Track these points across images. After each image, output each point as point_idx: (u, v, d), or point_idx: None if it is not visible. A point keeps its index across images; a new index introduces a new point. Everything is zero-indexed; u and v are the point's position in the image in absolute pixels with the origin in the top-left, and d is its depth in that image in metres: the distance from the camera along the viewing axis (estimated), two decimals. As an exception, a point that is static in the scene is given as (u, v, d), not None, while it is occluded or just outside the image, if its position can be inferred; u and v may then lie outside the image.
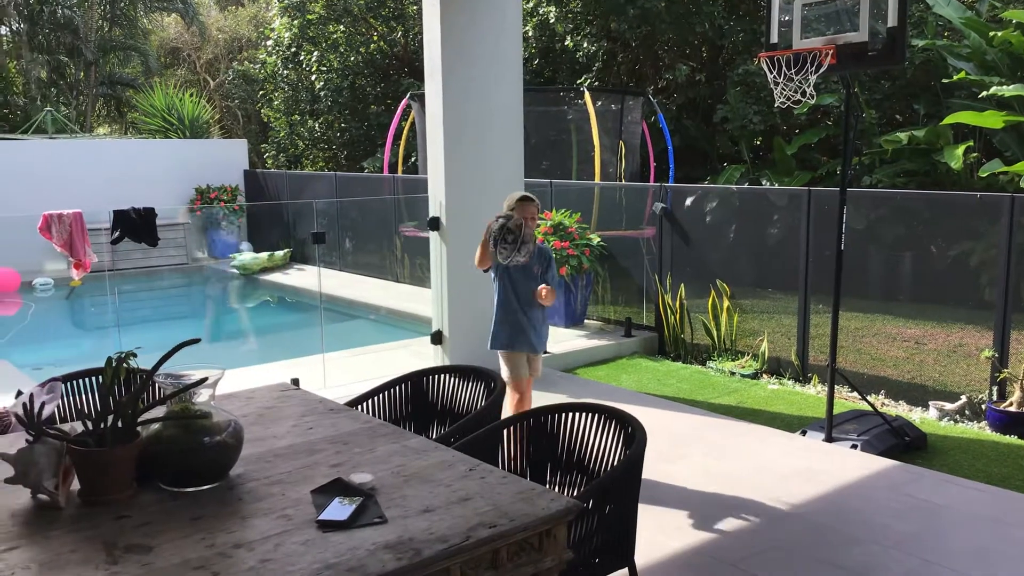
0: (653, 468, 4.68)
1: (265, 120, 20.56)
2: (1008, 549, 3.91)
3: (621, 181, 10.92)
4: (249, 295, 12.82)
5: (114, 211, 7.79)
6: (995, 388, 5.93)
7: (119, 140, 17.69)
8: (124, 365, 2.48)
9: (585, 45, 13.99)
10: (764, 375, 7.07)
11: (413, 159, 13.87)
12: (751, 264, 7.71)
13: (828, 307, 6.03)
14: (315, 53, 17.30)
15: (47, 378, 2.84)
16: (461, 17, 6.50)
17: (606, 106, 11.49)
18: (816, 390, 6.65)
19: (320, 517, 2.24)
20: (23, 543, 2.14)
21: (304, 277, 12.35)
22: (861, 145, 11.01)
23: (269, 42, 19.07)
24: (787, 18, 5.29)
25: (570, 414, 3.30)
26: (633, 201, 8.91)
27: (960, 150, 9.38)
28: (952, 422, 5.92)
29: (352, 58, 17.17)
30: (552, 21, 14.24)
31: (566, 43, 14.27)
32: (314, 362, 6.89)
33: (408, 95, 12.08)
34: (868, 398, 5.91)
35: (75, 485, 2.43)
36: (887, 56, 4.88)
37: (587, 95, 10.60)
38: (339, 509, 2.28)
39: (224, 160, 14.90)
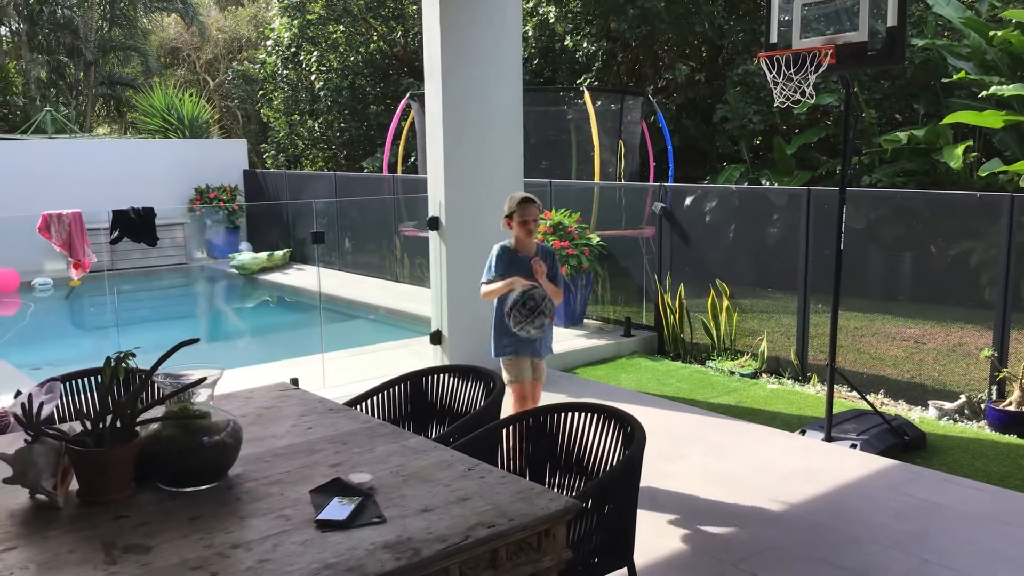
0: (652, 468, 4.68)
1: (265, 120, 20.57)
2: (1008, 548, 3.91)
3: (621, 181, 10.92)
4: (248, 295, 12.82)
5: (113, 211, 7.80)
6: (994, 387, 5.93)
7: (119, 140, 17.68)
8: (123, 365, 2.48)
9: (585, 45, 13.98)
10: (763, 374, 7.07)
11: (413, 159, 13.87)
12: (751, 264, 7.71)
13: (827, 306, 6.03)
14: (315, 53, 17.30)
15: (46, 378, 2.84)
16: (461, 17, 6.50)
17: (606, 106, 11.49)
18: (815, 389, 6.65)
19: (319, 517, 2.24)
20: (21, 543, 2.14)
21: (303, 277, 12.34)
22: (861, 145, 11.01)
23: (269, 42, 19.08)
24: (787, 18, 5.29)
25: (569, 414, 3.30)
26: (633, 201, 8.91)
27: (960, 150, 9.38)
28: (951, 421, 5.92)
29: (352, 58, 17.17)
30: (552, 21, 14.24)
31: (566, 43, 14.27)
32: (313, 362, 6.89)
33: (408, 95, 12.07)
34: (867, 397, 5.91)
35: (74, 485, 2.43)
36: (887, 56, 4.88)
37: (587, 95, 10.60)
38: (338, 509, 2.27)
39: (224, 160, 14.90)
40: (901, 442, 5.29)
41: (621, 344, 7.80)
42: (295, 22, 17.43)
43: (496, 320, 4.60)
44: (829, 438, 5.33)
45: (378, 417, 3.69)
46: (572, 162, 11.62)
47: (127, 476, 2.40)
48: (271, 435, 2.93)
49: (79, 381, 3.66)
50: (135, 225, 7.79)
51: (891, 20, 4.75)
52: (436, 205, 6.76)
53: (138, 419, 2.43)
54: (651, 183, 10.38)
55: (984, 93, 9.20)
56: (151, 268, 13.30)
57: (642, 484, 3.08)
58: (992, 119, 8.89)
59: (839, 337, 5.80)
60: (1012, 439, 5.52)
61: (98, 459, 2.35)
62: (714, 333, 7.52)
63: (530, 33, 14.38)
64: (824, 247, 6.72)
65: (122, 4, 21.63)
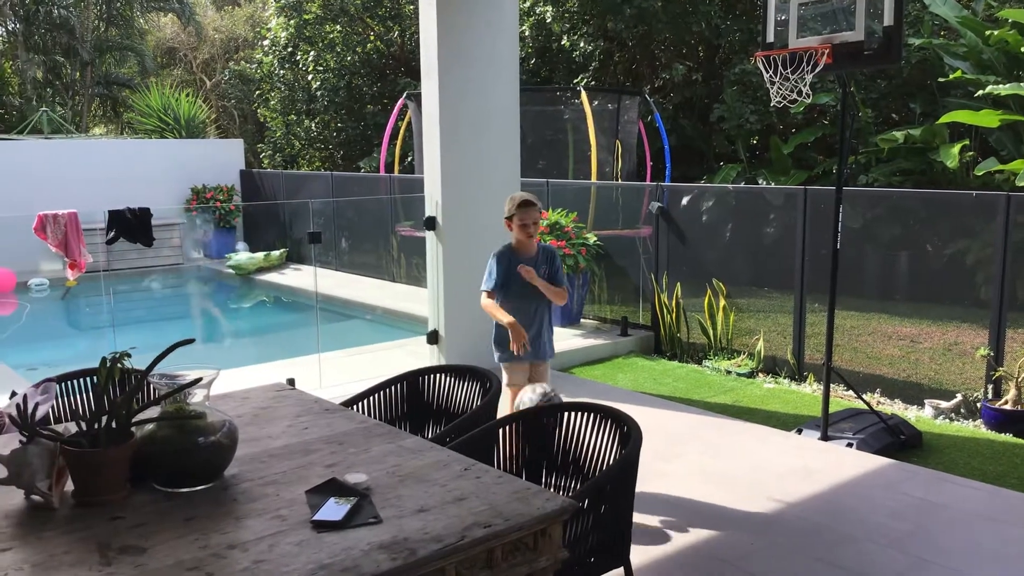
0: (649, 467, 4.68)
1: (261, 120, 20.55)
2: (1003, 547, 3.91)
3: (617, 180, 10.92)
4: (245, 295, 12.81)
5: (109, 211, 7.78)
6: (990, 386, 5.94)
7: (115, 140, 17.66)
8: (118, 366, 2.48)
9: (582, 45, 13.98)
10: (760, 374, 7.08)
11: (409, 159, 13.87)
12: (747, 263, 7.72)
13: (824, 306, 6.03)
14: (311, 53, 17.29)
15: (42, 379, 2.83)
16: (458, 17, 6.49)
17: (603, 105, 11.49)
18: (812, 389, 6.66)
19: (315, 517, 2.24)
20: (16, 544, 2.13)
21: (300, 277, 12.33)
22: (857, 144, 11.02)
23: (265, 42, 19.06)
24: (783, 17, 5.29)
25: (566, 413, 3.30)
26: (629, 200, 8.91)
27: (956, 149, 9.39)
28: (947, 420, 5.92)
29: (348, 58, 17.16)
30: (549, 20, 14.24)
31: (563, 43, 14.27)
32: (310, 362, 6.89)
33: (404, 95, 12.06)
34: (864, 396, 5.91)
35: (69, 486, 2.42)
36: (883, 55, 4.89)
37: (584, 95, 10.60)
38: (334, 509, 2.27)
39: (220, 160, 14.88)
40: (897, 441, 5.29)
41: (618, 344, 7.81)
42: (292, 22, 17.41)
43: (496, 327, 4.54)
44: (825, 437, 5.34)
45: (374, 417, 3.68)
46: (569, 162, 11.62)
47: (122, 477, 2.39)
48: (267, 435, 2.92)
49: (75, 382, 3.66)
50: (131, 225, 7.78)
51: (887, 19, 4.75)
52: (433, 205, 6.75)
53: (133, 420, 2.43)
54: (648, 183, 10.38)
55: (980, 92, 9.21)
56: (147, 268, 13.28)
57: (639, 484, 3.08)
58: (988, 118, 8.90)
59: (835, 336, 5.80)
60: (1008, 438, 5.53)
61: (93, 460, 2.35)
62: (711, 332, 7.53)
63: (527, 33, 14.38)
64: (821, 246, 6.73)
65: (118, 4, 21.59)
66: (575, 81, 13.75)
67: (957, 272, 6.56)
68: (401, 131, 12.69)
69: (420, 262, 10.22)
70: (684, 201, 8.04)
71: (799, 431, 5.52)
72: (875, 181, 10.30)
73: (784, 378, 6.94)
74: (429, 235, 6.84)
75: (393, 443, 2.84)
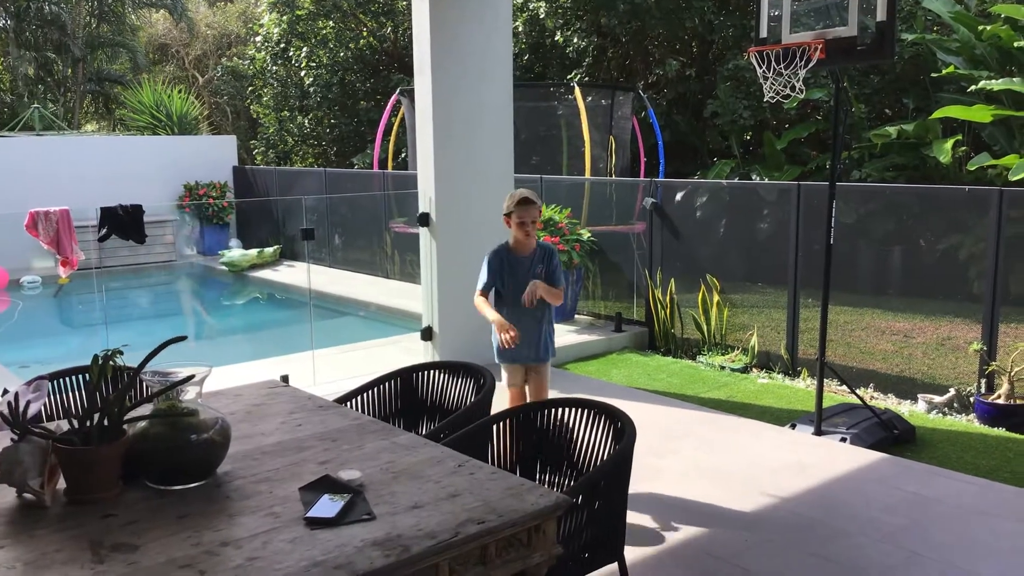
0: (643, 463, 4.68)
1: (254, 116, 20.50)
2: (996, 541, 3.92)
3: (611, 176, 10.92)
4: (238, 292, 12.78)
5: (101, 208, 7.75)
6: (983, 381, 5.96)
7: (107, 137, 17.59)
8: (110, 363, 2.47)
9: (575, 40, 13.97)
10: (754, 369, 7.09)
11: (403, 155, 13.85)
12: (741, 259, 7.72)
13: (818, 301, 6.04)
14: (304, 49, 17.24)
15: (34, 376, 2.82)
16: (450, 12, 6.48)
17: (596, 101, 11.48)
18: (806, 384, 6.67)
19: (308, 514, 2.23)
20: (8, 542, 2.12)
21: (294, 273, 12.31)
22: (850, 139, 11.04)
23: (258, 38, 19.00)
24: (776, 13, 5.29)
25: (560, 409, 3.30)
26: (623, 196, 8.91)
27: (949, 144, 9.42)
28: (941, 415, 5.94)
29: (341, 54, 17.12)
30: (542, 16, 14.22)
31: (556, 38, 14.26)
32: (304, 359, 6.87)
33: (398, 91, 12.05)
34: (857, 391, 5.93)
35: (61, 484, 2.41)
36: (876, 50, 4.89)
37: (577, 90, 10.59)
38: (327, 506, 2.27)
39: (213, 157, 14.83)
40: (891, 436, 5.30)
41: (612, 339, 7.81)
42: (284, 18, 17.36)
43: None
44: (819, 432, 5.35)
45: (368, 414, 3.68)
46: (563, 158, 11.61)
47: (114, 474, 2.38)
48: (260, 432, 2.91)
49: (67, 379, 3.64)
50: (123, 222, 7.75)
51: (880, 15, 4.75)
52: (426, 201, 6.74)
53: (126, 417, 2.42)
54: (642, 178, 10.39)
55: (973, 88, 9.23)
56: (140, 265, 13.24)
57: (633, 479, 3.08)
58: (981, 113, 8.92)
59: (829, 331, 5.81)
60: (1001, 432, 5.55)
61: (85, 457, 2.34)
62: (705, 328, 7.53)
63: (520, 28, 14.36)
64: (814, 242, 6.74)
65: (110, 0, 21.51)
66: (569, 77, 13.74)
67: (950, 267, 6.58)
68: (394, 127, 12.68)
69: (414, 258, 10.22)
70: (678, 197, 8.04)
71: (793, 426, 5.53)
72: (868, 176, 10.32)
73: (778, 373, 6.95)
74: (423, 231, 6.83)
75: (387, 440, 2.83)
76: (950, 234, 6.60)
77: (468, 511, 2.25)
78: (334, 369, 6.70)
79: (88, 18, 21.35)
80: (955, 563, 3.71)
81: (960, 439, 5.44)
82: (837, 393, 6.33)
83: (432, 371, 3.88)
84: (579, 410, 3.24)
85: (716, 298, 7.47)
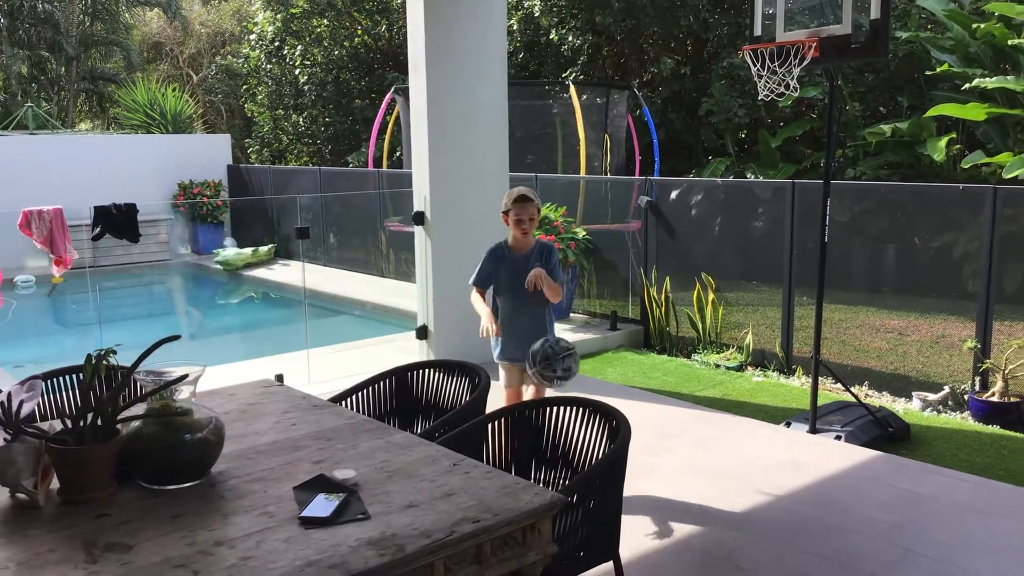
0: (638, 461, 4.68)
1: (249, 115, 20.45)
2: (991, 538, 3.93)
3: (606, 175, 10.92)
4: (233, 291, 12.76)
5: (95, 207, 7.72)
6: (977, 378, 5.97)
7: (101, 136, 17.54)
8: (104, 363, 2.46)
9: (570, 39, 13.97)
10: (749, 367, 7.09)
11: (398, 154, 13.83)
12: (736, 257, 7.73)
13: (812, 299, 6.05)
14: (299, 47, 17.20)
15: (27, 376, 2.81)
16: (445, 11, 6.47)
17: (591, 100, 11.48)
18: (800, 382, 6.68)
19: (302, 514, 2.23)
20: (1, 543, 2.11)
21: (288, 272, 12.29)
22: (845, 138, 11.05)
23: (252, 36, 18.95)
24: (771, 11, 5.29)
25: (555, 408, 3.30)
26: (618, 195, 8.91)
27: (943, 142, 9.43)
28: (935, 412, 5.95)
29: (336, 52, 17.08)
30: (537, 15, 14.21)
31: (551, 37, 14.25)
32: (298, 358, 6.86)
33: (392, 89, 12.03)
34: (852, 389, 5.93)
35: (55, 484, 2.40)
36: (870, 49, 4.89)
37: (572, 89, 10.59)
38: (322, 505, 2.26)
39: (207, 155, 14.80)
40: (885, 433, 5.31)
41: (607, 338, 7.81)
42: (278, 16, 17.32)
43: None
44: (814, 430, 5.35)
45: (363, 413, 3.67)
46: (558, 156, 11.61)
47: (108, 474, 2.38)
48: (254, 432, 2.91)
49: (60, 379, 3.63)
50: (117, 221, 7.72)
51: (874, 13, 4.76)
52: (421, 200, 6.74)
53: (119, 417, 2.41)
54: (637, 177, 10.38)
55: (967, 86, 9.24)
56: (134, 264, 13.21)
57: (628, 478, 3.08)
58: (975, 111, 8.94)
59: (823, 329, 5.82)
60: (995, 430, 5.56)
61: (78, 457, 2.33)
62: (700, 326, 7.54)
63: (515, 27, 14.35)
64: (809, 240, 6.75)
65: (103, -2, 21.46)
66: (563, 75, 13.74)
67: (944, 265, 6.59)
68: (389, 126, 12.66)
69: (409, 257, 10.20)
70: (673, 195, 8.04)
71: (788, 424, 5.54)
72: (863, 174, 10.33)
73: (773, 371, 6.96)
74: (418, 230, 6.82)
75: (381, 439, 2.83)
76: (944, 232, 6.62)
77: (463, 510, 2.25)
78: (329, 368, 6.69)
79: (82, 16, 21.28)
80: (950, 560, 3.72)
81: (954, 437, 5.45)
82: (832, 391, 6.34)
83: (427, 370, 3.88)
84: (574, 409, 3.24)
85: (711, 296, 7.48)
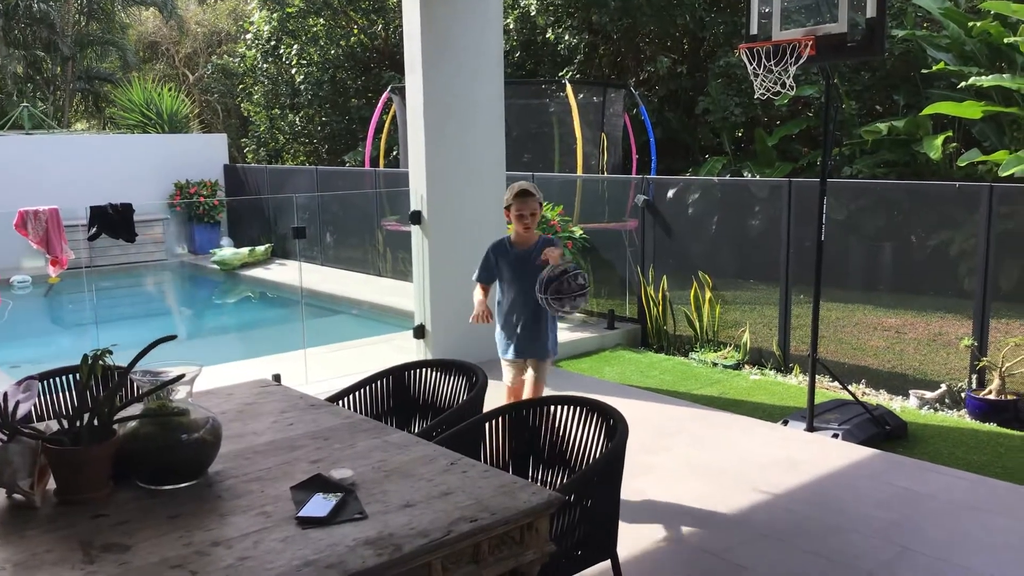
0: (635, 460, 4.68)
1: (245, 114, 20.42)
2: (988, 536, 3.94)
3: (603, 173, 10.92)
4: (230, 291, 12.74)
5: (91, 207, 7.70)
6: (974, 376, 5.98)
7: (97, 136, 17.51)
8: (100, 363, 2.45)
9: (567, 38, 13.96)
10: (746, 366, 7.10)
11: (395, 153, 13.82)
12: (733, 255, 7.73)
13: (809, 297, 6.05)
14: (295, 46, 17.19)
15: (24, 376, 2.80)
16: (442, 9, 6.46)
17: (588, 99, 11.48)
18: (798, 380, 6.68)
19: (300, 513, 2.22)
20: (-3, 544, 2.11)
21: (285, 272, 12.28)
22: (841, 136, 11.06)
23: (248, 36, 18.93)
24: (767, 9, 5.29)
25: (552, 407, 3.29)
26: (615, 193, 8.91)
27: (939, 140, 9.44)
28: (932, 410, 5.96)
29: (332, 51, 17.07)
30: (533, 14, 14.21)
31: (547, 36, 14.25)
32: (296, 357, 6.86)
33: (389, 88, 12.02)
34: (849, 387, 5.94)
35: (51, 484, 2.40)
36: (866, 47, 4.89)
37: (569, 88, 10.59)
38: (319, 505, 2.26)
39: (204, 155, 14.78)
40: (882, 431, 5.32)
41: (604, 337, 7.81)
42: (274, 15, 17.31)
43: (497, 318, 4.44)
44: (811, 428, 5.36)
45: (360, 412, 3.67)
46: (555, 155, 11.61)
47: (105, 475, 2.37)
48: (251, 432, 2.90)
49: (57, 379, 3.62)
50: (113, 221, 7.70)
51: (871, 11, 4.76)
52: (418, 199, 6.73)
53: (116, 417, 2.40)
54: (633, 176, 10.39)
55: (963, 84, 9.25)
56: (130, 264, 13.18)
57: (625, 476, 3.08)
58: (971, 110, 8.95)
59: (821, 328, 5.83)
60: (992, 427, 5.57)
61: (75, 458, 2.33)
62: (697, 325, 7.54)
63: (511, 26, 14.35)
64: (805, 238, 6.75)
65: (99, -2, 21.42)
66: (560, 74, 13.74)
67: (941, 263, 6.60)
68: (386, 125, 12.65)
69: (406, 256, 10.20)
70: (670, 194, 8.05)
71: (785, 422, 5.54)
72: (859, 173, 10.34)
73: (770, 370, 6.96)
74: (414, 229, 6.82)
75: (379, 438, 2.83)
76: (941, 230, 6.63)
77: (460, 509, 2.25)
78: (326, 368, 6.68)
79: (77, 16, 21.24)
80: (947, 558, 3.72)
81: (951, 435, 5.46)
82: (829, 389, 6.35)
83: (424, 369, 3.87)
84: (572, 407, 3.24)
85: (708, 295, 7.48)
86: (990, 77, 8.86)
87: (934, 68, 9.67)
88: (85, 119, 23.89)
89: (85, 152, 13.65)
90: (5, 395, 2.41)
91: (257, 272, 12.53)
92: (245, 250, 12.98)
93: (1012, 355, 5.75)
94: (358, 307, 10.22)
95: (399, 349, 7.21)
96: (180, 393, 2.48)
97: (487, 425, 3.28)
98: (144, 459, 2.40)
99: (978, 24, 9.47)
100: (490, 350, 5.94)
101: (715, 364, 7.14)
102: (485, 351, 6.03)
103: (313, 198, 12.84)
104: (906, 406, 6.07)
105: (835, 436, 5.23)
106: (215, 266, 12.87)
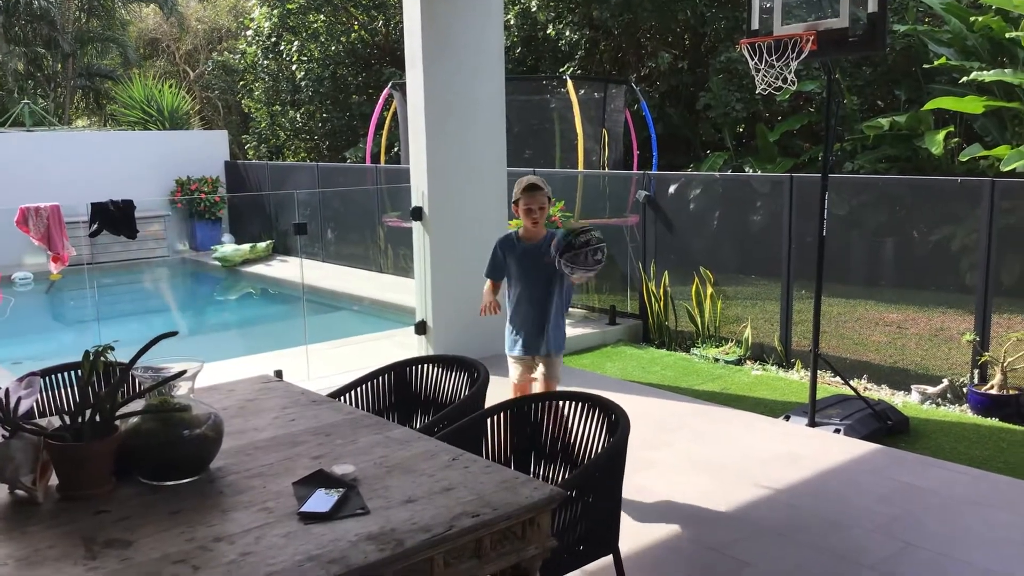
0: (637, 455, 4.68)
1: (246, 111, 20.41)
2: (989, 531, 3.94)
3: (604, 169, 10.91)
4: (231, 287, 12.75)
5: (92, 204, 7.70)
6: (976, 371, 5.98)
7: (98, 132, 17.50)
8: (102, 359, 2.45)
9: (567, 33, 13.94)
10: (748, 361, 7.09)
11: (396, 149, 13.81)
12: (734, 251, 7.73)
13: (811, 293, 6.05)
14: (295, 43, 17.17)
15: (26, 372, 2.80)
16: (442, 5, 6.45)
17: (589, 94, 11.46)
18: (799, 375, 6.68)
19: (302, 509, 2.23)
20: (0, 539, 2.11)
21: (286, 268, 12.28)
22: (843, 131, 11.04)
23: (249, 32, 18.91)
24: (768, 4, 5.28)
25: (554, 402, 3.29)
26: (617, 189, 8.90)
27: (941, 135, 9.43)
28: (934, 405, 5.96)
29: (333, 47, 17.05)
30: (534, 9, 14.19)
31: (548, 31, 14.23)
32: (297, 354, 6.86)
33: (390, 84, 12.00)
34: (851, 383, 5.94)
35: (53, 480, 2.40)
36: (868, 42, 4.88)
37: (570, 83, 10.57)
38: (321, 500, 2.26)
39: (205, 152, 14.77)
40: (884, 426, 5.32)
41: (606, 332, 7.81)
42: (275, 11, 17.28)
43: (507, 319, 4.39)
44: (813, 423, 5.36)
45: (362, 408, 3.67)
46: (556, 151, 11.60)
47: (107, 470, 2.37)
48: (253, 428, 2.91)
49: (59, 375, 3.62)
50: (114, 218, 7.69)
51: (872, 6, 4.75)
52: (419, 195, 6.73)
53: (118, 413, 2.40)
54: (635, 171, 10.38)
55: (965, 79, 9.24)
56: (132, 261, 13.19)
57: (627, 472, 3.08)
58: (973, 105, 8.94)
59: (822, 323, 5.82)
60: (994, 422, 5.57)
61: (77, 454, 2.33)
62: (698, 320, 7.54)
63: (512, 22, 14.32)
64: (807, 234, 6.74)
65: (99, -5, 21.39)
66: (561, 70, 13.71)
67: (942, 258, 6.59)
68: (387, 121, 12.63)
69: (407, 252, 10.19)
70: (671, 189, 8.04)
71: (787, 417, 5.54)
72: (861, 168, 10.33)
73: (772, 365, 6.96)
74: (416, 225, 6.81)
75: (380, 434, 2.83)
76: (942, 225, 6.62)
77: (462, 504, 2.25)
78: (328, 364, 6.68)
79: (78, 13, 21.22)
80: (948, 553, 3.72)
81: (953, 429, 5.46)
82: (831, 384, 6.35)
83: (426, 365, 3.87)
84: (573, 403, 3.24)
85: (710, 290, 7.47)
86: (992, 72, 8.85)
87: (936, 63, 9.65)
88: (86, 116, 23.88)
89: (86, 149, 13.65)
90: (7, 391, 2.41)
91: (258, 268, 12.54)
92: (246, 246, 12.98)
93: (1014, 350, 5.75)
94: (359, 303, 10.22)
95: (400, 345, 7.21)
96: (182, 389, 2.48)
97: (489, 421, 3.28)
98: (146, 455, 2.40)
99: (980, 19, 9.46)
100: (491, 346, 5.95)
101: (717, 360, 7.13)
102: (486, 347, 6.04)
103: (314, 194, 12.84)
104: (908, 401, 6.06)
105: (837, 431, 5.23)
106: (216, 263, 12.87)
